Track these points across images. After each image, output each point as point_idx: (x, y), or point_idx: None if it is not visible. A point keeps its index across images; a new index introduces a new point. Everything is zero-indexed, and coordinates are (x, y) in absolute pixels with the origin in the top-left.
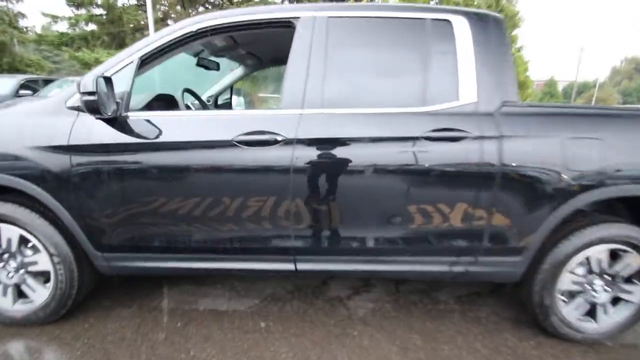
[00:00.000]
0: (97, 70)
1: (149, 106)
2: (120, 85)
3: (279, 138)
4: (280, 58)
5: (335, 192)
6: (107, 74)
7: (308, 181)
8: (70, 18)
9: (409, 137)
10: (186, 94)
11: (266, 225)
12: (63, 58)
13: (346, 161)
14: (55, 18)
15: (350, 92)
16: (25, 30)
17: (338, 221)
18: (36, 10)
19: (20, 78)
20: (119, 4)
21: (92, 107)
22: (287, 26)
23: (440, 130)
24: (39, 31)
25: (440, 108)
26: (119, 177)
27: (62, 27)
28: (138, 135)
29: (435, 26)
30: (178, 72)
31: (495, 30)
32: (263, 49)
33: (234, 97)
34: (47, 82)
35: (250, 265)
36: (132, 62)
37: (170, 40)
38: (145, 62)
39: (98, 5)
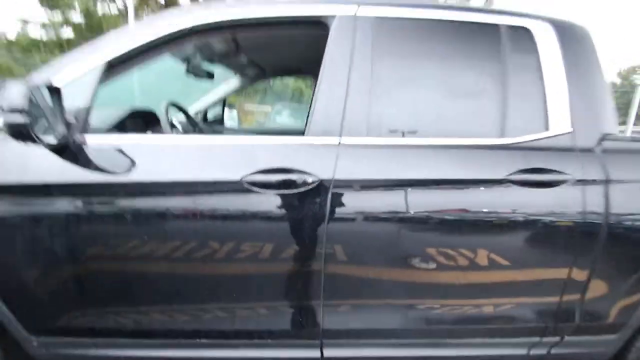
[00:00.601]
0: (37, 77)
1: (121, 127)
2: (75, 98)
3: (310, 179)
4: (288, 67)
5: (384, 253)
6: (55, 84)
7: (347, 238)
8: (44, 24)
9: (489, 180)
10: (170, 109)
11: (286, 300)
12: (36, 62)
13: (401, 211)
14: (26, 22)
15: (406, 117)
16: None
17: (385, 292)
18: (10, 15)
19: None
20: (99, 13)
21: (20, 132)
22: (316, 27)
23: (530, 172)
24: (13, 37)
25: (526, 140)
26: (66, 233)
27: (37, 32)
28: (99, 171)
29: (512, 34)
30: (158, 79)
31: (584, 42)
32: (269, 56)
33: (226, 111)
34: None
35: (261, 353)
36: (94, 68)
37: (153, 41)
38: (115, 67)
39: (76, 9)
